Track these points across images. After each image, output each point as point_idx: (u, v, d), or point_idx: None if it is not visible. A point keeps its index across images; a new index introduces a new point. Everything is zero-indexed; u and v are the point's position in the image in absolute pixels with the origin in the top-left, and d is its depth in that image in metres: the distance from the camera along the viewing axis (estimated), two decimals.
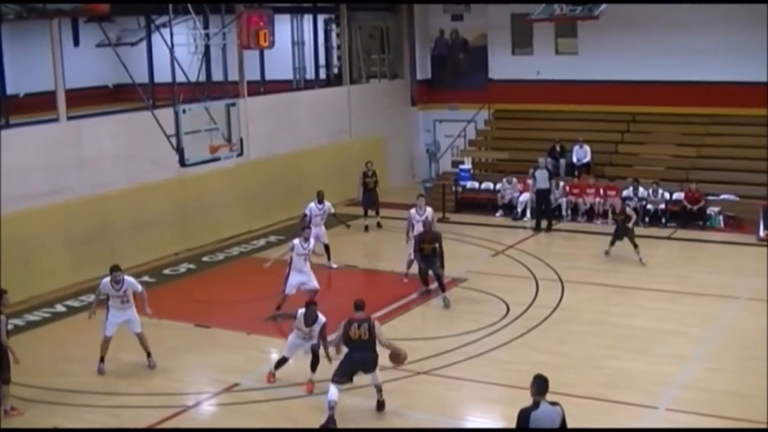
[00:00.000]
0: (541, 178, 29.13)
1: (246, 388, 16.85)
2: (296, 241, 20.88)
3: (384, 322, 19.90)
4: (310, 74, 35.73)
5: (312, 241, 21.28)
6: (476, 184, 32.99)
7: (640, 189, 29.39)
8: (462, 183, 32.91)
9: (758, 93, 31.02)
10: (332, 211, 25.80)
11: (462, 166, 33.78)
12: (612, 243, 25.18)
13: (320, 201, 25.24)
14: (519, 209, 30.69)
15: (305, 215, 24.71)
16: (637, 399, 16.00)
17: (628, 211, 25.31)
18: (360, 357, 15.45)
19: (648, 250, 26.66)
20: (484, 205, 31.96)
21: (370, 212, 29.69)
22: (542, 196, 29.28)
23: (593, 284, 23.05)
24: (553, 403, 11.39)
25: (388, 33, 38.03)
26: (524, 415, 11.22)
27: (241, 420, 15.68)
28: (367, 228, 29.25)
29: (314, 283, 20.97)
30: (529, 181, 29.96)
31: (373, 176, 29.54)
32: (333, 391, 15.23)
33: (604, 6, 29.11)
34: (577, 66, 34.82)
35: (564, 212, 30.29)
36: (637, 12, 32.52)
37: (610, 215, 26.36)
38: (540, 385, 11.43)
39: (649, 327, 19.86)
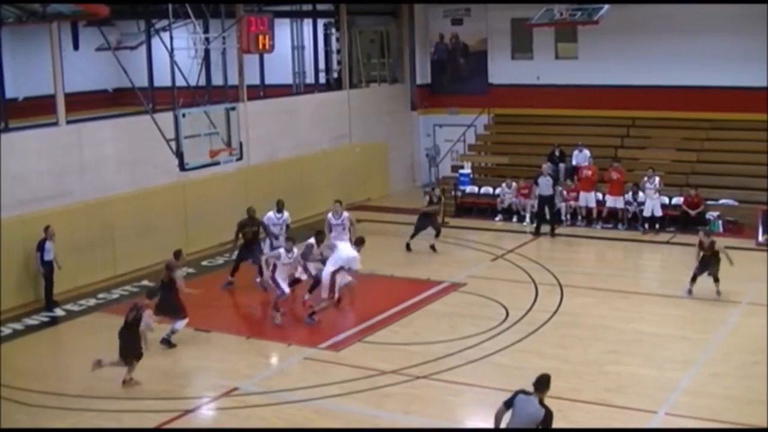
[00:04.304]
0: (545, 185, 29.12)
1: (246, 393, 16.82)
2: (281, 251, 20.81)
3: (384, 327, 20.01)
4: (310, 79, 35.78)
5: (295, 251, 20.98)
6: (476, 189, 32.99)
7: (640, 194, 29.37)
8: (462, 187, 32.92)
9: (758, 98, 31.02)
10: (289, 221, 24.30)
11: (462, 171, 33.79)
12: (693, 280, 22.38)
13: (279, 210, 24.03)
14: (527, 214, 30.67)
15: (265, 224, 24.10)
16: (642, 404, 15.96)
17: (717, 246, 22.43)
18: None
19: (648, 254, 26.80)
20: (483, 209, 31.97)
21: (423, 233, 27.36)
22: (544, 202, 29.30)
23: (594, 289, 23.06)
24: (542, 403, 11.84)
25: (388, 37, 38.04)
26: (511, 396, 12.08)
27: (240, 424, 15.66)
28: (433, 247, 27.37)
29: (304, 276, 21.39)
30: (534, 187, 30.04)
31: (438, 203, 28.05)
32: None
33: (604, 11, 29.15)
34: (577, 70, 34.85)
35: (563, 217, 30.26)
36: (637, 17, 32.55)
37: (696, 252, 22.57)
38: (536, 380, 12.12)
39: (652, 332, 19.86)
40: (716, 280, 22.13)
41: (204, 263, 26.06)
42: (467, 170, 33.81)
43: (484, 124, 37.07)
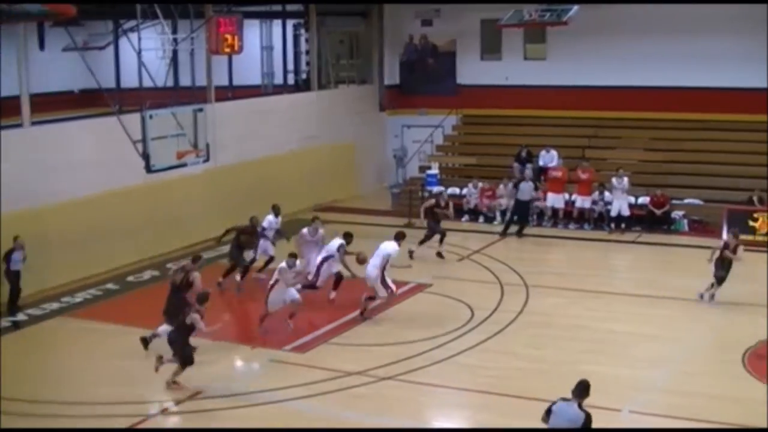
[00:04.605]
0: (527, 190, 29.15)
1: (210, 396, 16.77)
2: (283, 264, 20.33)
3: (350, 328, 20.02)
4: (279, 80, 35.73)
5: (298, 263, 20.68)
6: (443, 190, 32.93)
7: (606, 194, 29.53)
8: (429, 188, 32.89)
9: (725, 98, 31.35)
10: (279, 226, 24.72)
11: (429, 172, 33.81)
12: (713, 284, 21.84)
13: (276, 215, 24.46)
14: (496, 213, 30.89)
15: (263, 229, 24.15)
16: (614, 403, 15.96)
17: (740, 253, 21.77)
18: None
19: (616, 254, 26.95)
20: None
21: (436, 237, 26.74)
22: (522, 206, 29.29)
23: (564, 289, 23.16)
24: (581, 407, 12.05)
25: (357, 38, 38.03)
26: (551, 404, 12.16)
27: (204, 427, 15.64)
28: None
29: (297, 296, 20.38)
30: (502, 188, 30.35)
31: (447, 207, 27.23)
32: None
33: (573, 12, 29.29)
34: (546, 71, 35.01)
35: (530, 217, 30.38)
36: (605, 18, 32.71)
37: (717, 253, 21.84)
38: (576, 386, 12.27)
39: (623, 331, 20.03)
40: (719, 285, 21.70)
41: (170, 265, 25.90)
42: (435, 171, 33.82)
43: (453, 124, 37.16)
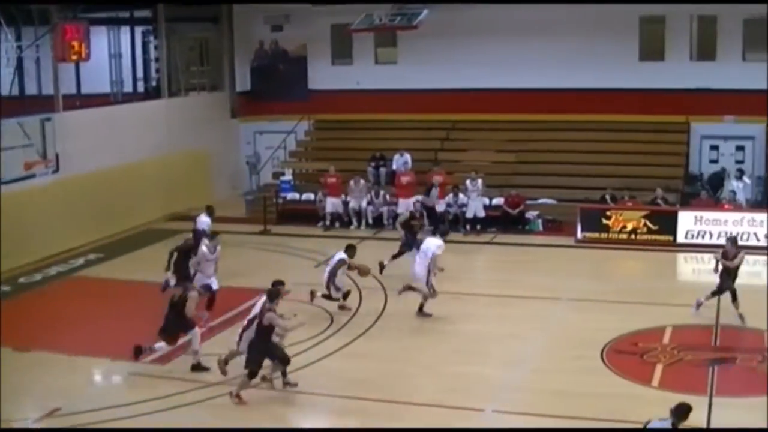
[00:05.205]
0: (435, 196, 29.36)
1: (68, 413, 16.28)
2: (204, 248, 20.66)
3: (209, 338, 19.69)
4: (128, 87, 35.09)
5: (218, 247, 21.22)
6: (297, 196, 32.94)
7: (460, 196, 29.81)
8: (283, 194, 32.78)
9: (574, 99, 32.13)
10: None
11: (283, 178, 33.69)
12: (714, 294, 20.63)
13: (210, 215, 24.69)
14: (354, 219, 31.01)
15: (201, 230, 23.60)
16: (478, 403, 16.18)
17: (739, 259, 20.49)
18: None
19: (471, 255, 27.20)
20: (306, 216, 31.81)
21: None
22: (431, 212, 29.34)
23: None
24: (675, 428, 12.03)
25: (207, 45, 37.63)
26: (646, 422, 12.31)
27: None
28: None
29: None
30: (352, 185, 30.71)
31: (421, 218, 26.70)
32: None
33: (423, 16, 29.55)
34: (397, 75, 35.23)
35: (385, 221, 30.53)
36: (455, 21, 33.12)
37: (718, 259, 20.63)
38: (675, 406, 12.09)
39: (482, 331, 20.28)
40: (735, 298, 20.30)
41: (21, 280, 25.18)
42: (288, 177, 33.69)
43: (305, 130, 37.03)
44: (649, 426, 12.14)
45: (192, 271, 21.25)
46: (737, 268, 20.44)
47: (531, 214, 29.82)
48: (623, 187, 29.74)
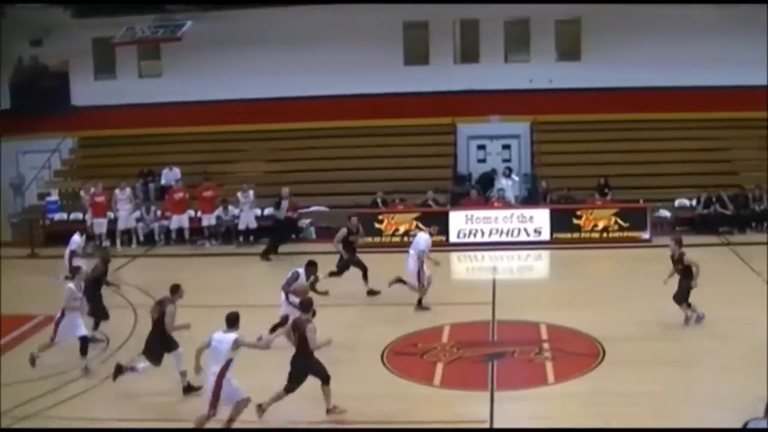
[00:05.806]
0: (284, 208, 28.61)
1: None
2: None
3: None
4: None
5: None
6: (65, 216, 31.83)
7: (230, 207, 29.53)
8: (50, 216, 31.65)
9: (338, 106, 32.37)
10: None
11: (49, 198, 32.54)
12: (685, 299, 19.63)
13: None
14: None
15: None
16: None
17: (687, 260, 19.64)
18: None
19: (247, 267, 26.79)
20: None
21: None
22: (279, 225, 28.76)
23: (201, 306, 22.01)
24: None
25: None
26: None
27: None
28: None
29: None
30: (118, 193, 30.02)
31: (358, 233, 24.25)
32: None
33: (187, 27, 29.21)
34: (162, 88, 34.64)
35: (157, 237, 29.98)
36: (221, 32, 33.03)
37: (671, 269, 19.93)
38: None
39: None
40: (688, 304, 19.61)
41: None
42: (55, 197, 32.55)
43: (69, 148, 35.91)
44: (749, 426, 12.51)
45: None
46: (685, 268, 19.52)
47: (304, 222, 29.75)
48: (394, 191, 30.02)
